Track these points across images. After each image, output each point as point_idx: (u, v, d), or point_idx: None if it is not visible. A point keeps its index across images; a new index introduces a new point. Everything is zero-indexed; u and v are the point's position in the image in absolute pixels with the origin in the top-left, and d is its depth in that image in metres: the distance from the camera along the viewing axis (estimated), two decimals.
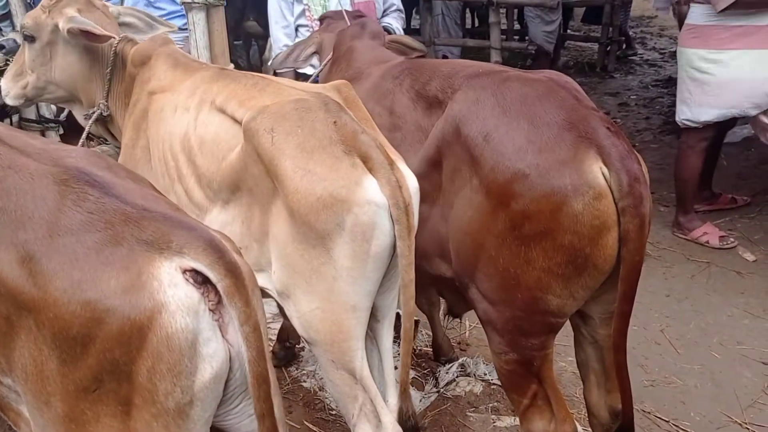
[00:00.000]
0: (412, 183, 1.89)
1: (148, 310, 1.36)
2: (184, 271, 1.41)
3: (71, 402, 1.38)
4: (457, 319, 3.05)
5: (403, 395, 1.94)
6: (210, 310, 1.44)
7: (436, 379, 3.14)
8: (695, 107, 4.11)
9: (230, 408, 1.59)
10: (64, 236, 1.40)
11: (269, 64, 3.36)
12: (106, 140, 2.93)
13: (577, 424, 2.17)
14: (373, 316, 1.97)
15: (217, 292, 1.44)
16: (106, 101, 2.67)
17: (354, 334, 1.87)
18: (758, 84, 3.94)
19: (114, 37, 2.61)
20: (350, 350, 1.87)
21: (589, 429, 2.37)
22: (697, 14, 4.03)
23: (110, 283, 1.36)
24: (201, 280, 1.43)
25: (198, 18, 3.31)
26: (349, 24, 3.04)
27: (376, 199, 1.79)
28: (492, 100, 1.96)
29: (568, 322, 2.23)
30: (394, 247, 1.84)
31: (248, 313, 1.45)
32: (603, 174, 1.80)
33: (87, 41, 2.57)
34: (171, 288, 1.38)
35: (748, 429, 2.87)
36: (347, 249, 1.80)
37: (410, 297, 1.84)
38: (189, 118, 2.19)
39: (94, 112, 2.68)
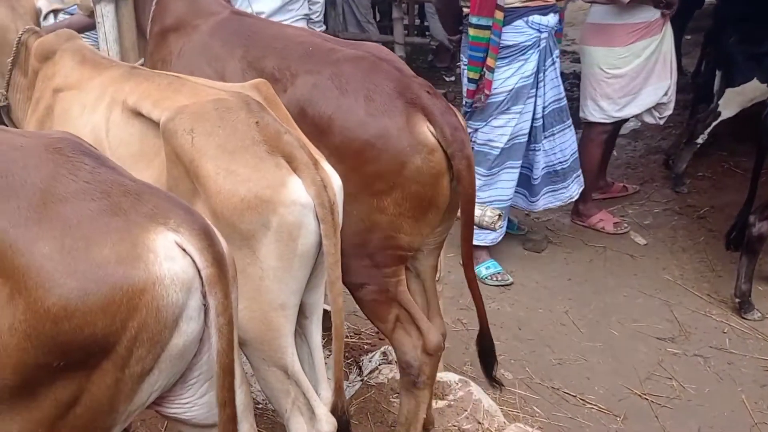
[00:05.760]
0: (336, 182, 1.91)
1: (141, 281, 1.32)
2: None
3: (26, 374, 1.31)
4: None
5: (338, 392, 1.96)
6: (201, 292, 1.42)
7: (360, 368, 3.20)
8: (602, 102, 4.25)
9: (189, 393, 1.59)
10: (58, 204, 1.33)
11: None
12: None
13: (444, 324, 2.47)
14: (302, 313, 1.99)
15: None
16: (6, 92, 2.56)
17: (283, 332, 1.88)
18: (655, 74, 4.18)
19: None
20: (280, 348, 1.89)
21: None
22: (598, 13, 4.19)
23: (103, 252, 1.30)
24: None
25: (107, 10, 3.15)
26: None
27: (301, 199, 1.80)
28: (329, 82, 2.21)
29: None
30: (319, 245, 1.86)
31: (226, 305, 1.45)
32: (430, 131, 2.13)
33: None
34: (167, 261, 1.36)
35: (646, 399, 3.11)
36: (273, 249, 1.81)
37: (338, 294, 1.87)
38: (99, 118, 2.11)
39: None
